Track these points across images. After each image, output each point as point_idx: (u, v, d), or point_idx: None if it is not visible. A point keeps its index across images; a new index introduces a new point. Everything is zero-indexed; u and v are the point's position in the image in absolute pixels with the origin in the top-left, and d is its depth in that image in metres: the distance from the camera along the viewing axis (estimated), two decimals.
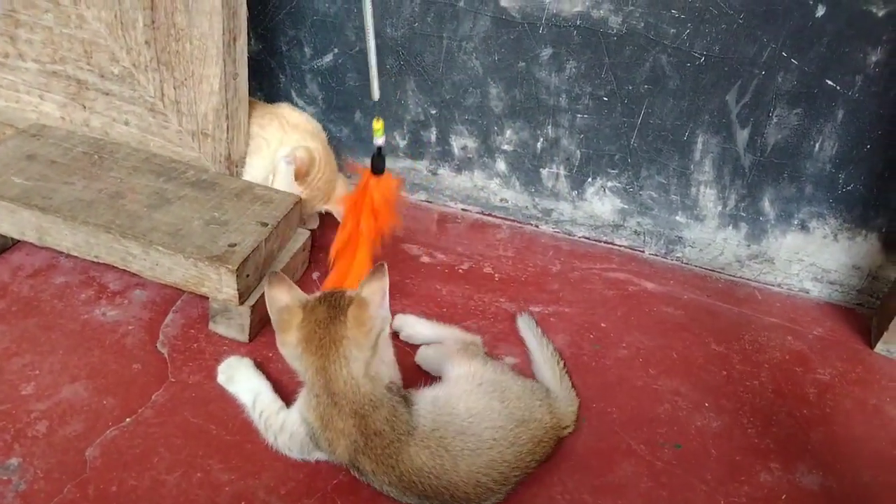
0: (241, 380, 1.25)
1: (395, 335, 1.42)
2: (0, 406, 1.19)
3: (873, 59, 1.48)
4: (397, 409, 1.07)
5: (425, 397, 1.14)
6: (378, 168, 1.36)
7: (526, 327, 1.46)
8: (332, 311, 1.05)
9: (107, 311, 1.40)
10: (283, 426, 1.14)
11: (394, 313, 1.46)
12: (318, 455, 1.14)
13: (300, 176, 1.54)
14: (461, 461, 1.06)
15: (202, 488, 1.11)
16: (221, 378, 1.26)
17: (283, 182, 1.55)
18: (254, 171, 1.61)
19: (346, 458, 1.07)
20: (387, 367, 1.11)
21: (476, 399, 1.15)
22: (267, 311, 1.33)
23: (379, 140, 1.34)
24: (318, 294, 1.10)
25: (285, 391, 1.25)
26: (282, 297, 1.08)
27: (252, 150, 1.61)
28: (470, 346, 1.31)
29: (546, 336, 1.43)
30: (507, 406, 1.14)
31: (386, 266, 1.05)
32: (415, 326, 1.42)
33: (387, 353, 1.11)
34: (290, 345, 1.06)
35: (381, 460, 1.04)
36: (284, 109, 1.69)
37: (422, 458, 1.05)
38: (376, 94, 1.37)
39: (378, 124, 1.33)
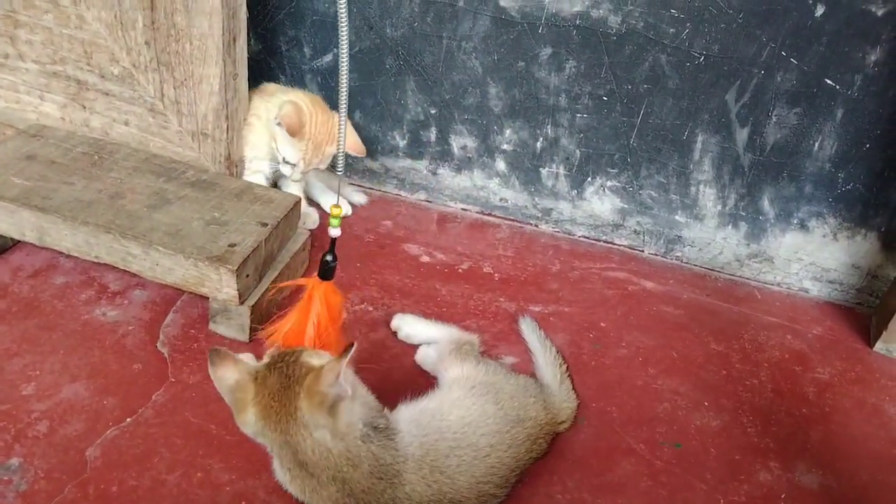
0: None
1: (393, 334, 1.42)
2: (1, 406, 1.19)
3: (872, 58, 1.48)
4: (379, 457, 1.00)
5: (408, 417, 1.10)
6: (326, 273, 1.15)
7: (529, 330, 1.46)
8: (284, 380, 0.97)
9: (107, 311, 1.40)
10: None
11: (394, 313, 1.46)
12: None
13: (295, 130, 1.53)
14: (459, 477, 1.04)
15: (203, 488, 1.11)
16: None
17: (285, 144, 1.56)
18: (257, 150, 1.62)
19: None
20: (358, 410, 1.02)
21: (469, 405, 1.13)
22: (268, 310, 1.34)
23: (334, 231, 1.15)
24: (267, 360, 1.01)
25: None
26: (229, 375, 0.98)
27: (248, 133, 1.62)
28: (464, 346, 1.30)
29: (549, 339, 1.43)
30: (501, 408, 1.14)
31: (354, 347, 0.95)
32: (413, 325, 1.43)
33: (350, 412, 1.00)
34: (248, 424, 0.98)
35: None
36: (261, 85, 1.71)
37: (419, 490, 1.01)
38: (341, 168, 1.18)
39: (336, 211, 1.13)
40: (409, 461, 1.02)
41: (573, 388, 1.34)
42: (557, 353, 1.40)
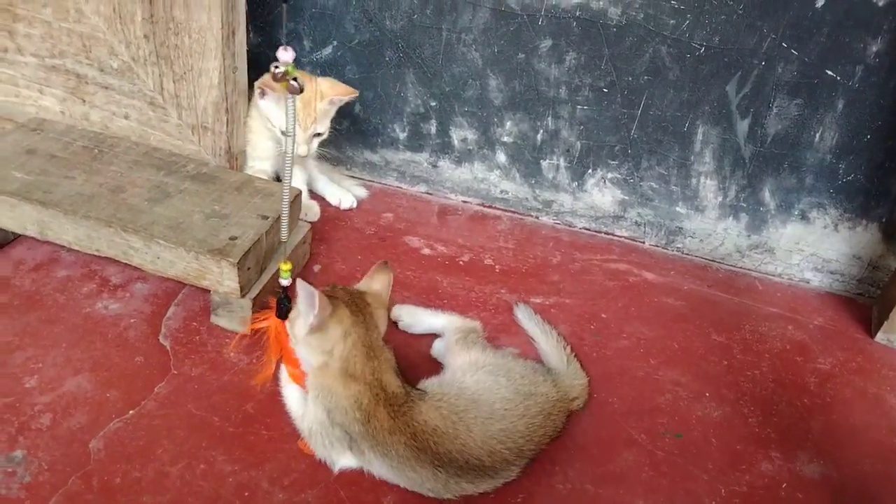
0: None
1: (394, 324, 1.43)
2: (4, 399, 1.19)
3: (873, 49, 1.48)
4: (405, 386, 1.14)
5: (432, 382, 1.22)
6: (282, 313, 1.23)
7: (526, 317, 1.47)
8: (356, 298, 1.16)
9: (109, 304, 1.40)
10: (312, 434, 1.14)
11: (395, 305, 1.46)
12: (347, 462, 1.15)
13: (274, 86, 1.52)
14: (475, 427, 1.10)
15: (206, 479, 1.11)
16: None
17: (275, 112, 1.56)
18: (259, 150, 1.64)
19: (369, 408, 1.09)
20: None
21: (482, 377, 1.19)
22: (266, 303, 1.34)
23: (284, 281, 1.23)
24: (328, 288, 1.17)
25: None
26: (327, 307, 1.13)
27: (248, 134, 1.63)
28: (469, 335, 1.33)
29: (548, 322, 1.44)
30: (512, 382, 1.19)
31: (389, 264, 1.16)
32: (414, 315, 1.43)
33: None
34: (336, 336, 1.12)
35: (397, 416, 1.08)
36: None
37: (433, 417, 1.09)
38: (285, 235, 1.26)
39: (286, 266, 1.22)
40: (427, 394, 1.14)
41: (581, 367, 1.35)
42: (559, 335, 1.41)
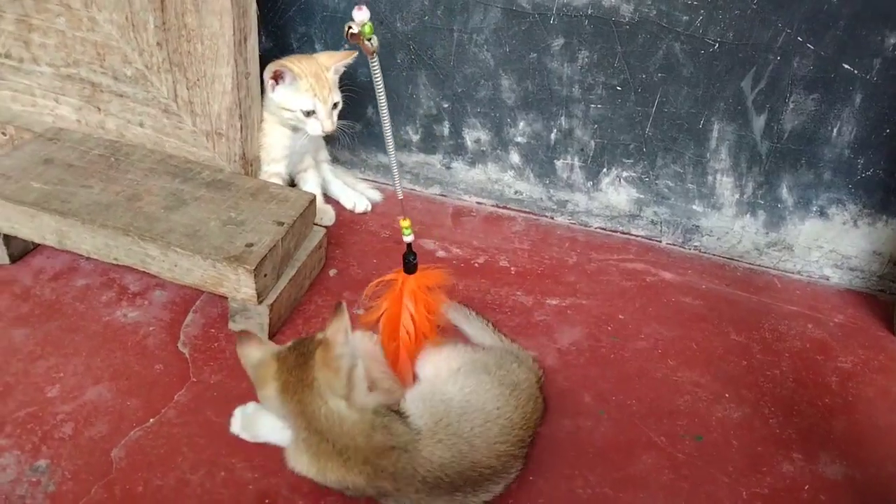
0: (263, 424, 1.19)
1: None
2: (27, 408, 1.21)
3: (892, 41, 1.46)
4: (391, 426, 1.04)
5: (413, 400, 1.12)
6: (409, 268, 1.31)
7: (459, 316, 1.42)
8: (300, 357, 1.04)
9: (128, 312, 1.42)
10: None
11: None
12: None
13: (281, 72, 1.54)
14: (475, 439, 1.07)
15: (226, 487, 1.12)
16: (239, 430, 1.20)
17: (290, 96, 1.56)
18: (274, 152, 1.65)
19: (363, 484, 1.03)
20: (372, 398, 1.09)
21: (463, 380, 1.16)
22: (286, 309, 1.35)
23: (408, 238, 1.31)
24: (289, 343, 1.09)
25: None
26: (254, 354, 1.07)
27: (261, 137, 1.64)
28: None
29: (474, 311, 1.42)
30: (493, 376, 1.17)
31: (345, 305, 1.03)
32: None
33: (361, 386, 1.07)
34: (269, 398, 1.05)
35: (399, 476, 1.02)
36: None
37: (438, 454, 1.04)
38: (400, 193, 1.33)
39: (405, 223, 1.30)
40: (422, 432, 1.06)
41: (514, 341, 1.37)
42: (486, 320, 1.40)
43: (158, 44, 1.49)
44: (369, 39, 1.10)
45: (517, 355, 1.29)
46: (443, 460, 1.04)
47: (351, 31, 1.08)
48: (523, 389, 1.18)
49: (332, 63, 1.59)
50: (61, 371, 1.28)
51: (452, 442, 1.05)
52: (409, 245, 1.31)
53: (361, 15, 1.08)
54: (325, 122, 1.57)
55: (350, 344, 1.03)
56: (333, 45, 1.77)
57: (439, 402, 1.11)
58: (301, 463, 1.04)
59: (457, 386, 1.15)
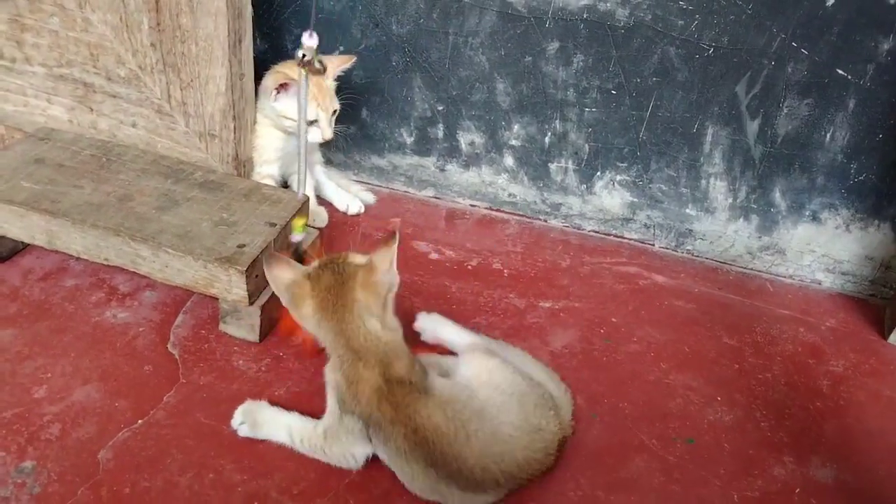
0: (266, 422, 1.20)
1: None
2: (14, 409, 1.19)
3: (885, 47, 1.46)
4: (415, 362, 1.10)
5: (442, 382, 1.14)
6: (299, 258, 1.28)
7: (438, 324, 1.40)
8: (338, 276, 1.09)
9: (117, 313, 1.41)
10: (326, 435, 1.13)
11: (403, 311, 1.45)
12: (364, 450, 1.13)
13: (287, 80, 1.53)
14: (475, 440, 1.06)
15: (215, 489, 1.11)
16: (243, 428, 1.19)
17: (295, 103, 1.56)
18: (267, 154, 1.64)
19: (372, 405, 1.06)
20: (398, 324, 1.13)
21: (495, 395, 1.14)
22: (277, 311, 1.34)
23: (296, 236, 1.26)
24: (316, 263, 1.12)
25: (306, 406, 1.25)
26: (285, 274, 1.10)
27: (254, 138, 1.63)
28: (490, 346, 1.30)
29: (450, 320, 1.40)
30: (524, 410, 1.14)
31: (398, 234, 1.08)
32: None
33: (392, 311, 1.13)
34: (308, 316, 1.09)
35: (400, 408, 1.05)
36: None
37: (438, 419, 1.05)
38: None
39: (299, 222, 1.25)
40: (436, 395, 1.08)
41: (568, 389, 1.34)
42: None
43: (152, 45, 1.49)
44: (319, 61, 1.17)
45: (560, 405, 1.25)
46: (439, 426, 1.05)
47: (305, 58, 1.14)
48: (544, 439, 1.14)
49: (332, 69, 1.58)
50: (49, 371, 1.27)
51: (455, 420, 1.06)
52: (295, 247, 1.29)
53: (311, 41, 1.13)
54: (326, 130, 1.58)
55: (391, 271, 1.08)
56: (328, 47, 1.77)
57: (463, 389, 1.14)
58: (335, 375, 1.09)
59: (487, 394, 1.14)
